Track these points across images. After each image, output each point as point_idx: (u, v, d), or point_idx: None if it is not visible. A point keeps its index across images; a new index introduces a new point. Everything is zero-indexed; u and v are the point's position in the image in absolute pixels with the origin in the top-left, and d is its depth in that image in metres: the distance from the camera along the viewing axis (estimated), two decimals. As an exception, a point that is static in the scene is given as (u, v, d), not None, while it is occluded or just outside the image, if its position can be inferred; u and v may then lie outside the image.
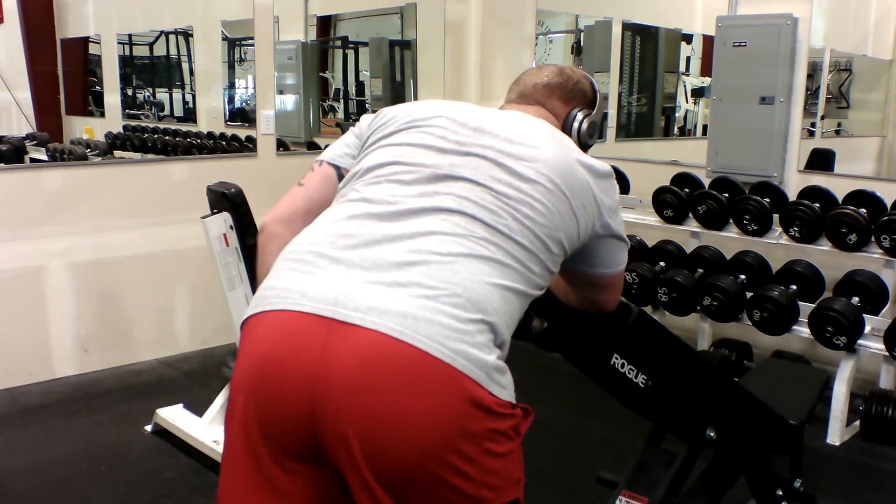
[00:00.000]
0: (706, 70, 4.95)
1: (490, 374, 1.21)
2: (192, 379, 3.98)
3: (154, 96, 5.34)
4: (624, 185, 4.37)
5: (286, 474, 1.23)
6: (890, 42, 4.52)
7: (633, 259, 3.97)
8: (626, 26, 5.28)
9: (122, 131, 4.96)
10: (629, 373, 1.73)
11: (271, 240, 1.48)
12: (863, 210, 3.46)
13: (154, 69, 5.35)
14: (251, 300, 1.34)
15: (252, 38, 4.43)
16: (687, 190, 4.10)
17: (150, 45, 5.23)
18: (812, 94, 4.12)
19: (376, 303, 1.20)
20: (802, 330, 3.49)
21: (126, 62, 5.23)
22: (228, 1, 4.98)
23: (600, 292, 1.59)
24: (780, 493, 2.29)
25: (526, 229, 1.33)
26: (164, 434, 3.27)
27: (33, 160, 4.33)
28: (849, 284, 3.56)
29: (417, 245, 1.27)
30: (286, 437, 1.22)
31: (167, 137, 4.88)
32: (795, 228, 3.61)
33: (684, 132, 5.65)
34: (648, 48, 5.54)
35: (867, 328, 3.36)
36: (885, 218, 3.37)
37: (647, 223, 4.22)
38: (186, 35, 5.19)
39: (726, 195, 3.91)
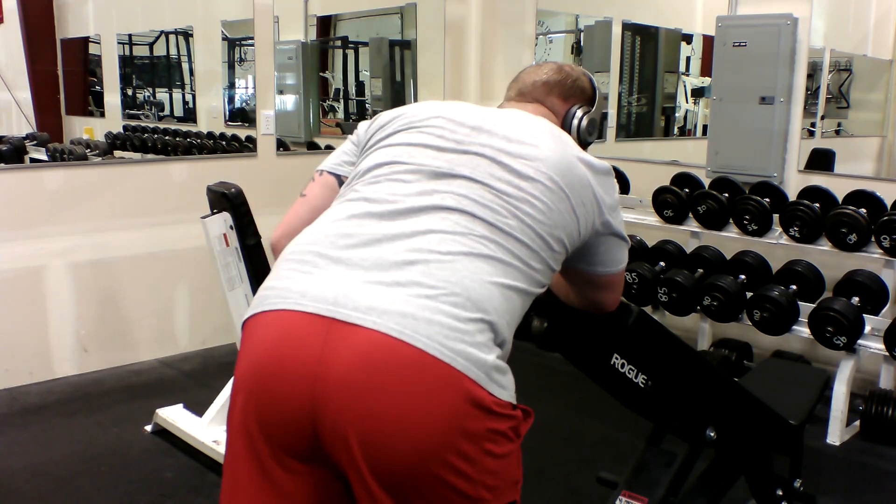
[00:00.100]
0: (706, 70, 4.95)
1: (489, 374, 1.21)
2: (192, 379, 3.98)
3: (154, 96, 5.34)
4: (624, 185, 4.37)
5: (288, 474, 1.24)
6: (890, 42, 4.52)
7: (633, 259, 3.97)
8: (626, 26, 5.28)
9: (122, 131, 4.96)
10: (629, 373, 1.73)
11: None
12: (863, 210, 3.46)
13: (154, 69, 5.35)
14: (252, 300, 1.34)
15: (252, 38, 4.43)
16: (687, 190, 4.10)
17: (150, 45, 5.23)
18: (812, 94, 4.12)
19: (376, 302, 1.20)
20: (802, 330, 3.49)
21: (126, 62, 5.23)
22: (228, 1, 4.99)
23: (601, 291, 1.59)
24: (780, 493, 2.29)
25: (526, 227, 1.33)
26: (164, 434, 3.27)
27: (33, 160, 4.33)
28: (849, 284, 3.56)
29: (417, 244, 1.27)
30: (287, 437, 1.22)
31: (167, 137, 4.88)
32: (795, 228, 3.61)
33: (684, 132, 5.65)
34: (648, 48, 5.54)
35: (867, 328, 3.36)
36: (885, 218, 3.37)
37: (647, 223, 4.22)
38: (186, 35, 5.19)
39: (726, 195, 3.91)
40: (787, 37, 3.88)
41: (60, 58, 4.81)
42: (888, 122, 4.70)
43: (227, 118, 5.18)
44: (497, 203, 1.33)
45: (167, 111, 5.27)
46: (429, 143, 1.42)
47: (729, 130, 4.16)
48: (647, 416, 1.96)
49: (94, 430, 3.38)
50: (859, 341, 3.34)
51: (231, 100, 5.34)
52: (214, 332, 4.32)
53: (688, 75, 5.47)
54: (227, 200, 3.02)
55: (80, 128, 4.86)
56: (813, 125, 4.27)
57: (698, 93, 5.36)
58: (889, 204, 3.54)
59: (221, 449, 2.96)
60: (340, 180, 1.54)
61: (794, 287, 3.62)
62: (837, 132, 4.64)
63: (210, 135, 4.92)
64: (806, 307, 3.48)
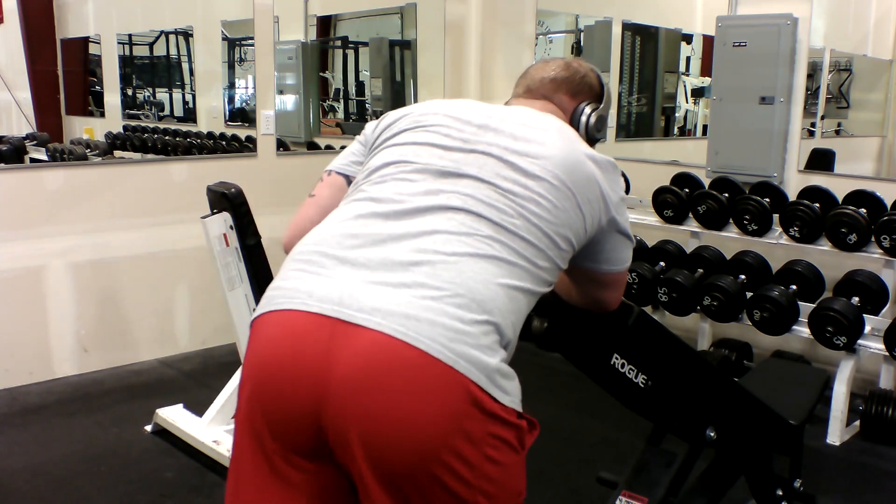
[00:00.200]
0: (706, 70, 4.95)
1: (492, 378, 1.21)
2: (192, 379, 3.98)
3: (154, 96, 5.34)
4: (624, 185, 4.37)
5: (294, 470, 1.25)
6: (890, 42, 4.52)
7: (634, 259, 3.95)
8: (626, 26, 5.28)
9: (122, 131, 4.96)
10: (629, 373, 1.73)
11: None
12: (863, 210, 3.46)
13: (154, 69, 5.35)
14: (251, 301, 1.34)
15: (252, 38, 4.43)
16: (687, 190, 4.10)
17: (150, 45, 5.23)
18: (812, 94, 4.12)
19: (381, 304, 1.20)
20: (802, 330, 3.49)
21: (126, 62, 5.23)
22: (228, 1, 4.99)
23: (604, 290, 1.59)
24: (780, 493, 2.29)
25: (532, 226, 1.33)
26: (164, 434, 3.27)
27: (33, 160, 4.33)
28: (849, 284, 3.56)
29: (422, 244, 1.27)
30: (292, 435, 1.23)
31: (167, 137, 4.88)
32: (795, 228, 3.61)
33: (684, 132, 5.65)
34: (648, 48, 5.54)
35: (867, 328, 3.36)
36: (885, 218, 3.37)
37: (647, 223, 4.22)
38: (186, 35, 5.19)
39: (726, 195, 3.91)
40: (787, 37, 3.88)
41: (60, 58, 4.81)
42: (888, 122, 4.70)
43: (227, 118, 5.18)
44: (503, 202, 1.33)
45: (167, 111, 5.27)
46: (435, 143, 1.42)
47: (729, 130, 4.16)
48: (647, 416, 1.96)
49: (94, 430, 3.38)
50: (859, 341, 3.34)
51: (231, 100, 5.35)
52: (214, 332, 4.32)
53: (688, 75, 5.47)
54: (227, 200, 3.02)
55: (80, 128, 4.86)
56: (813, 125, 4.27)
57: (698, 93, 5.36)
58: (889, 204, 3.54)
59: (221, 449, 2.96)
60: (349, 180, 1.54)
61: (794, 287, 3.62)
62: (837, 132, 4.65)
63: (210, 135, 4.92)
64: (806, 307, 3.48)
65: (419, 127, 1.46)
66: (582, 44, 5.55)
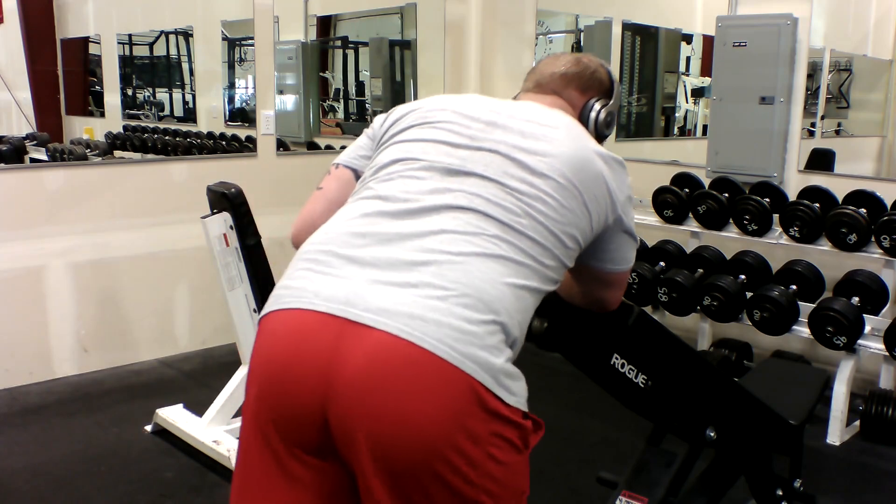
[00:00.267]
0: (706, 70, 4.95)
1: (497, 378, 1.21)
2: (192, 379, 3.98)
3: (154, 96, 5.34)
4: (624, 185, 4.37)
5: (301, 465, 1.26)
6: (890, 42, 4.52)
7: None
8: (626, 26, 5.28)
9: (122, 131, 4.96)
10: (629, 373, 1.73)
11: None
12: (863, 210, 3.46)
13: (154, 69, 5.35)
14: (268, 299, 1.35)
15: (252, 38, 4.43)
16: (687, 190, 4.10)
17: (150, 45, 5.23)
18: (812, 94, 4.12)
19: (387, 304, 1.21)
20: (802, 330, 3.49)
21: (126, 62, 5.23)
22: (228, 1, 4.99)
23: (606, 289, 1.59)
24: (780, 493, 2.29)
25: (539, 224, 1.33)
26: (164, 434, 3.27)
27: (33, 160, 4.33)
28: (849, 284, 3.56)
29: (429, 244, 1.27)
30: (299, 432, 1.24)
31: (167, 137, 4.88)
32: (795, 228, 3.61)
33: (684, 132, 5.65)
34: (648, 48, 5.54)
35: (867, 328, 3.35)
36: (885, 218, 3.37)
37: (647, 223, 4.21)
38: (186, 35, 5.19)
39: (726, 195, 3.91)
40: (787, 37, 3.88)
41: (60, 58, 4.81)
42: (888, 122, 4.70)
43: (227, 118, 5.18)
44: (510, 201, 1.33)
45: (167, 111, 5.27)
46: (443, 140, 1.42)
47: (729, 130, 4.16)
48: (647, 416, 1.96)
49: (94, 430, 3.38)
50: (859, 341, 3.34)
51: (231, 100, 5.35)
52: (214, 332, 4.32)
53: (688, 75, 5.47)
54: (227, 200, 3.02)
55: (80, 128, 4.86)
56: (813, 125, 4.27)
57: (698, 93, 5.36)
58: (889, 204, 3.54)
59: (221, 449, 2.96)
60: (356, 174, 1.54)
61: (794, 287, 3.62)
62: (837, 132, 4.64)
63: (210, 135, 4.92)
64: (806, 307, 3.48)
65: (427, 123, 1.46)
66: (582, 44, 5.55)
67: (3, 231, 3.68)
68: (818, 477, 2.99)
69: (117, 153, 4.70)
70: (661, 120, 5.68)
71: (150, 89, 5.36)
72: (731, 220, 3.87)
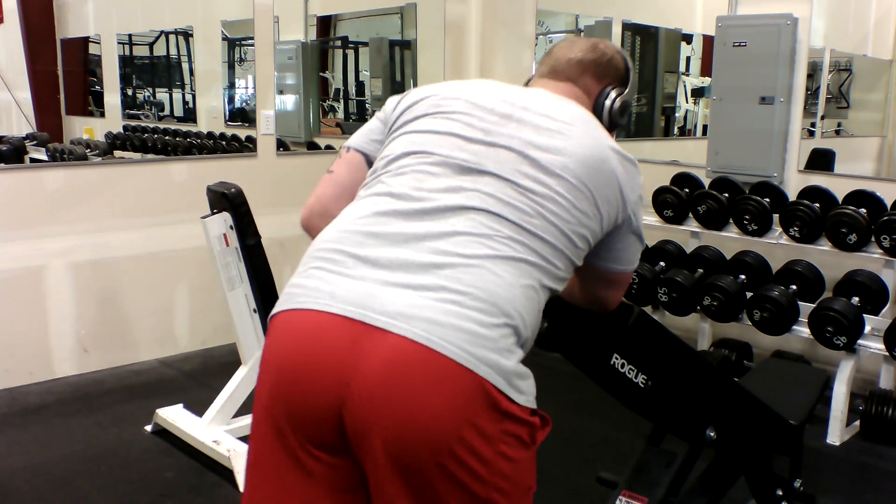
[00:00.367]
0: (706, 70, 4.95)
1: (509, 380, 1.24)
2: (192, 379, 3.98)
3: (154, 96, 5.34)
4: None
5: (314, 461, 1.28)
6: (890, 42, 4.52)
7: (633, 259, 3.97)
8: (626, 26, 5.28)
9: (122, 131, 4.96)
10: (629, 373, 1.73)
11: (314, 233, 1.51)
12: (863, 210, 3.46)
13: (154, 69, 5.35)
14: (280, 295, 1.36)
15: (252, 38, 4.43)
16: (687, 190, 4.10)
17: (150, 45, 5.23)
18: (812, 94, 4.12)
19: (404, 308, 1.22)
20: (802, 330, 3.49)
21: (126, 62, 5.23)
22: (228, 1, 4.99)
23: (608, 288, 1.59)
24: (780, 493, 2.28)
25: (551, 225, 1.34)
26: (164, 434, 3.27)
27: (33, 160, 4.33)
28: (849, 284, 3.56)
29: (444, 246, 1.28)
30: (314, 431, 1.26)
31: (167, 137, 4.88)
32: (795, 228, 3.61)
33: (684, 132, 5.65)
34: (648, 48, 5.54)
35: (867, 328, 3.36)
36: (885, 218, 3.37)
37: (647, 223, 4.20)
38: (186, 35, 5.19)
39: (726, 195, 3.91)
40: (787, 37, 3.88)
41: (60, 58, 4.81)
42: (888, 122, 4.70)
43: (227, 118, 5.18)
44: (522, 201, 1.33)
45: (167, 111, 5.28)
46: (456, 132, 1.40)
47: (729, 130, 4.16)
48: (647, 416, 1.96)
49: (94, 430, 3.38)
50: (859, 341, 3.34)
51: (231, 100, 5.35)
52: (214, 332, 4.32)
53: (688, 75, 5.47)
54: (227, 200, 3.02)
55: (80, 128, 4.86)
56: (813, 125, 4.27)
57: (698, 93, 5.36)
58: (889, 204, 3.53)
59: (221, 449, 2.96)
60: (367, 158, 1.52)
61: (794, 287, 3.62)
62: (837, 132, 4.64)
63: (210, 135, 4.92)
64: (806, 307, 3.48)
65: (440, 113, 1.44)
66: (582, 44, 5.54)
67: (3, 231, 3.68)
68: (818, 477, 2.99)
69: (117, 153, 4.70)
70: (661, 120, 5.68)
71: (150, 89, 5.37)
72: (731, 220, 3.87)
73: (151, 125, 5.05)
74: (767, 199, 3.75)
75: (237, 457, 2.90)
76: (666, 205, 4.09)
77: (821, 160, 4.17)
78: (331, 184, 1.54)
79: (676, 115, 5.60)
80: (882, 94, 4.67)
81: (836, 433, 3.39)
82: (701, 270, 3.92)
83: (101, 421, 3.46)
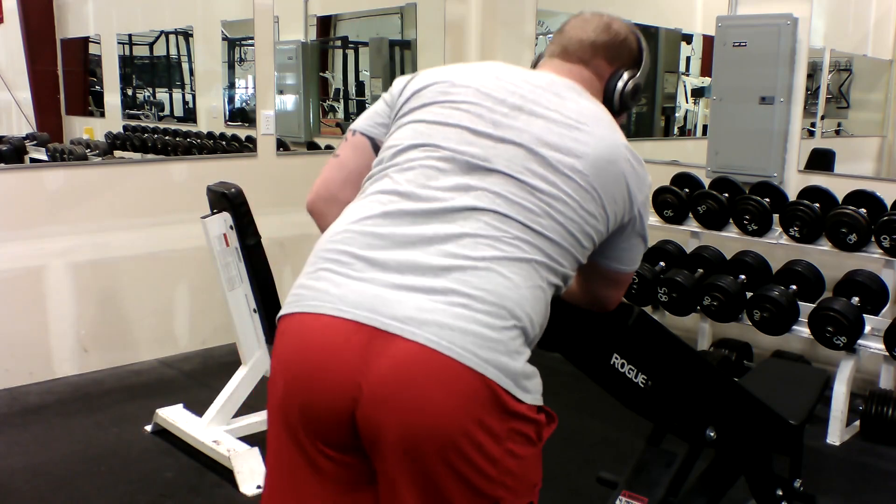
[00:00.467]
0: (706, 70, 4.95)
1: (517, 381, 1.26)
2: (192, 379, 3.98)
3: (154, 96, 5.34)
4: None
5: (326, 459, 1.31)
6: (890, 42, 4.52)
7: (633, 259, 3.97)
8: (627, 26, 5.27)
9: (122, 131, 4.96)
10: (629, 373, 1.73)
11: (321, 218, 1.52)
12: (863, 210, 3.46)
13: (154, 69, 5.35)
14: (288, 295, 1.36)
15: (252, 38, 4.43)
16: (687, 190, 4.10)
17: (150, 45, 5.23)
18: (812, 94, 4.12)
19: (413, 312, 1.23)
20: (802, 330, 3.49)
21: (126, 62, 5.23)
22: (228, 1, 4.98)
23: (608, 287, 1.58)
24: (780, 493, 2.28)
25: (558, 225, 1.34)
26: (164, 434, 3.27)
27: (33, 160, 4.33)
28: (849, 284, 3.56)
29: (452, 249, 1.28)
30: (327, 431, 1.28)
31: (167, 137, 4.88)
32: (795, 228, 3.61)
33: (684, 132, 5.65)
34: (648, 48, 5.53)
35: (867, 328, 3.36)
36: (885, 218, 3.37)
37: (648, 223, 4.20)
38: (186, 35, 5.19)
39: (726, 195, 3.91)
40: (787, 37, 3.88)
41: (60, 58, 4.81)
42: (888, 122, 4.70)
43: (227, 118, 5.18)
44: (530, 201, 1.33)
45: (167, 111, 5.27)
46: (464, 125, 1.39)
47: (729, 130, 4.16)
48: (647, 416, 1.96)
49: (94, 430, 3.38)
50: (859, 341, 3.34)
51: (231, 100, 5.35)
52: (214, 332, 4.32)
53: (688, 75, 5.47)
54: (227, 200, 3.02)
55: (80, 128, 4.86)
56: (813, 125, 4.27)
57: (698, 93, 5.35)
58: (889, 204, 3.54)
59: (221, 449, 2.96)
60: (373, 142, 1.51)
61: (794, 287, 3.62)
62: (837, 132, 4.64)
63: (210, 135, 4.92)
64: (806, 307, 3.48)
65: (448, 102, 1.42)
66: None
67: (3, 231, 3.68)
68: (818, 477, 2.99)
69: (117, 153, 4.70)
70: (661, 120, 5.68)
71: (150, 89, 5.37)
72: (731, 220, 3.87)
73: (151, 125, 5.05)
74: (767, 199, 3.75)
75: (237, 457, 2.90)
76: (666, 205, 4.09)
77: (821, 160, 4.17)
78: (337, 168, 1.53)
79: (676, 115, 5.60)
80: (882, 94, 4.67)
81: (836, 433, 3.39)
82: (701, 270, 3.92)
83: (101, 421, 3.46)
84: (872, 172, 4.59)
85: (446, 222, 1.31)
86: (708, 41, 4.70)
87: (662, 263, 4.03)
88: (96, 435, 3.33)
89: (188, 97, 5.39)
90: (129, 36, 5.18)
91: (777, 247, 3.78)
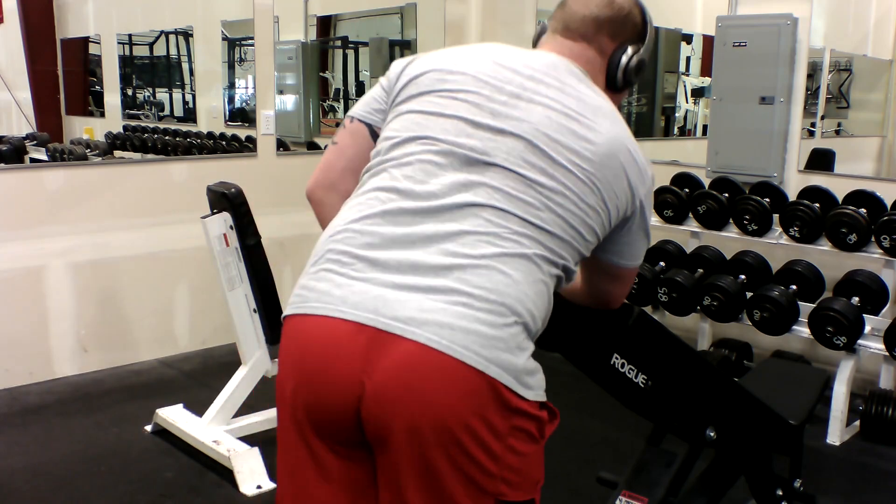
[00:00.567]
0: (706, 70, 4.95)
1: (519, 377, 1.27)
2: (192, 379, 3.98)
3: (154, 96, 5.34)
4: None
5: (334, 457, 1.33)
6: (890, 42, 4.52)
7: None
8: (627, 26, 5.27)
9: (122, 131, 4.96)
10: (629, 373, 1.73)
11: (320, 207, 1.52)
12: (863, 210, 3.46)
13: (154, 69, 5.35)
14: (291, 296, 1.37)
15: (252, 38, 4.43)
16: (687, 190, 4.10)
17: (150, 45, 5.23)
18: (812, 94, 4.12)
19: (415, 312, 1.24)
20: (802, 330, 3.49)
21: (126, 62, 5.23)
22: (228, 1, 4.98)
23: (611, 283, 1.57)
24: (780, 493, 2.28)
25: (559, 218, 1.33)
26: (164, 434, 3.27)
27: (33, 160, 4.33)
28: (849, 284, 3.56)
29: (452, 247, 1.28)
30: (334, 430, 1.30)
31: (167, 137, 4.88)
32: (795, 228, 3.61)
33: (684, 132, 5.65)
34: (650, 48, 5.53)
35: (867, 328, 3.36)
36: (885, 218, 3.37)
37: (647, 223, 4.21)
38: (186, 35, 5.19)
39: (726, 195, 3.91)
40: (787, 37, 3.88)
41: (60, 58, 4.81)
42: (888, 122, 4.70)
43: (227, 118, 5.18)
44: (530, 194, 1.32)
45: (167, 111, 5.27)
46: (462, 116, 1.37)
47: (729, 130, 4.16)
48: (647, 416, 1.96)
49: (94, 430, 3.38)
50: (859, 341, 3.34)
51: (231, 100, 5.34)
52: (214, 332, 4.32)
53: (688, 75, 5.47)
54: (227, 200, 3.03)
55: (80, 128, 4.86)
56: (813, 125, 4.27)
57: (698, 93, 5.35)
58: (889, 204, 3.54)
59: (221, 449, 2.96)
60: (371, 129, 1.50)
61: (794, 287, 3.62)
62: (837, 132, 4.64)
63: (210, 135, 4.92)
64: (806, 307, 3.48)
65: (446, 91, 1.40)
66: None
67: (3, 231, 3.68)
68: (818, 477, 3.00)
69: (117, 153, 4.70)
70: (661, 120, 5.68)
71: (150, 89, 5.36)
72: (731, 220, 3.87)
73: (151, 125, 5.05)
74: (767, 199, 3.75)
75: (237, 457, 2.90)
76: (666, 205, 4.09)
77: (821, 160, 4.17)
78: (336, 156, 1.52)
79: (676, 115, 5.60)
80: (882, 94, 4.67)
81: (836, 433, 3.39)
82: (701, 270, 3.92)
83: (101, 421, 3.46)
84: (872, 172, 4.59)
85: (446, 220, 1.31)
86: (708, 41, 4.70)
87: (662, 263, 4.03)
88: (96, 435, 3.33)
89: (188, 97, 5.39)
90: (129, 36, 5.18)
91: (777, 247, 3.78)
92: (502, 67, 1.42)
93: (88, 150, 4.51)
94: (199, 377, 3.98)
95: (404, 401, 1.23)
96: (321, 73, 6.08)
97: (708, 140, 4.30)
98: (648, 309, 4.01)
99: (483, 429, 1.24)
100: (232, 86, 5.32)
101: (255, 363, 3.14)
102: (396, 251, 1.29)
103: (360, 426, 1.27)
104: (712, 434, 1.97)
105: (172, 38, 5.20)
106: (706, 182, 4.15)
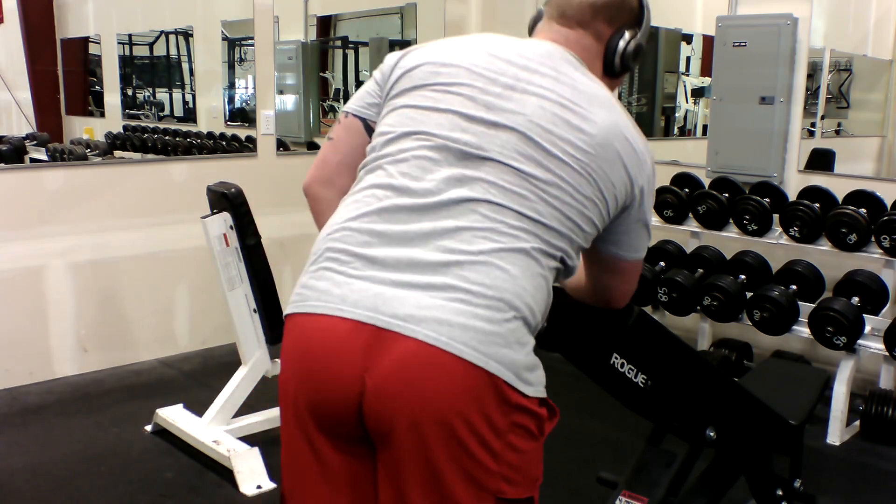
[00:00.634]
0: (706, 70, 4.95)
1: (519, 373, 1.27)
2: (192, 379, 3.98)
3: (154, 96, 5.34)
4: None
5: (332, 450, 1.34)
6: (890, 42, 4.52)
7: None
8: (627, 26, 5.26)
9: (122, 131, 4.96)
10: (629, 373, 1.73)
11: (316, 202, 1.54)
12: (863, 210, 3.46)
13: (154, 69, 5.35)
14: (292, 294, 1.38)
15: (252, 38, 4.43)
16: (687, 190, 4.10)
17: (150, 45, 5.23)
18: (812, 94, 4.12)
19: (413, 310, 1.24)
20: (802, 330, 3.49)
21: (126, 62, 5.23)
22: (228, 1, 4.98)
23: (612, 277, 1.54)
24: (780, 493, 2.28)
25: (555, 210, 1.33)
26: (164, 434, 3.27)
27: (33, 160, 4.33)
28: (849, 284, 3.56)
29: (450, 244, 1.28)
30: (334, 424, 1.31)
31: (167, 137, 4.88)
32: (795, 228, 3.61)
33: (684, 132, 5.65)
34: (648, 48, 5.49)
35: (867, 328, 3.36)
36: (885, 218, 3.37)
37: (647, 223, 4.20)
38: (186, 35, 5.19)
39: (726, 195, 3.91)
40: (787, 37, 3.88)
41: (60, 58, 4.81)
42: (888, 122, 4.70)
43: (227, 118, 5.18)
44: (526, 188, 1.32)
45: (167, 111, 5.27)
46: (457, 109, 1.36)
47: (729, 130, 4.16)
48: (647, 416, 1.96)
49: (94, 430, 3.38)
50: (859, 341, 3.34)
51: (231, 100, 5.34)
52: (214, 332, 4.32)
53: (688, 75, 5.46)
54: (227, 200, 3.03)
55: (80, 128, 4.86)
56: (813, 125, 4.27)
57: (698, 93, 5.35)
58: (889, 204, 3.54)
59: (221, 449, 2.96)
60: (365, 123, 1.50)
61: (794, 287, 3.62)
62: (837, 132, 4.64)
63: (210, 135, 4.92)
64: (806, 307, 3.48)
65: (440, 84, 1.39)
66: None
67: (3, 231, 3.68)
68: (818, 477, 3.00)
69: (117, 153, 4.70)
70: (661, 120, 5.67)
71: (150, 89, 5.36)
72: (731, 220, 3.87)
73: (151, 125, 5.05)
74: (767, 199, 3.75)
75: (237, 457, 2.90)
76: (666, 205, 4.09)
77: (821, 160, 4.17)
78: (333, 152, 1.54)
79: (676, 115, 5.59)
80: (882, 94, 4.67)
81: (836, 433, 3.39)
82: (701, 270, 3.92)
83: (101, 421, 3.46)
84: (872, 172, 4.59)
85: (442, 217, 1.31)
86: (708, 41, 4.70)
87: (662, 263, 4.03)
88: (96, 435, 3.33)
89: (188, 97, 5.39)
90: (129, 36, 5.18)
91: (777, 247, 3.78)
92: (496, 58, 1.41)
93: (88, 150, 4.51)
94: (199, 377, 3.98)
95: (405, 397, 1.23)
96: (321, 73, 6.08)
97: (708, 140, 4.30)
98: (648, 309, 4.01)
99: (483, 425, 1.24)
100: (232, 86, 5.32)
101: (255, 363, 3.14)
102: (394, 249, 1.29)
103: (361, 422, 1.28)
104: (712, 434, 1.97)
105: (172, 38, 5.20)
106: (706, 182, 4.15)
